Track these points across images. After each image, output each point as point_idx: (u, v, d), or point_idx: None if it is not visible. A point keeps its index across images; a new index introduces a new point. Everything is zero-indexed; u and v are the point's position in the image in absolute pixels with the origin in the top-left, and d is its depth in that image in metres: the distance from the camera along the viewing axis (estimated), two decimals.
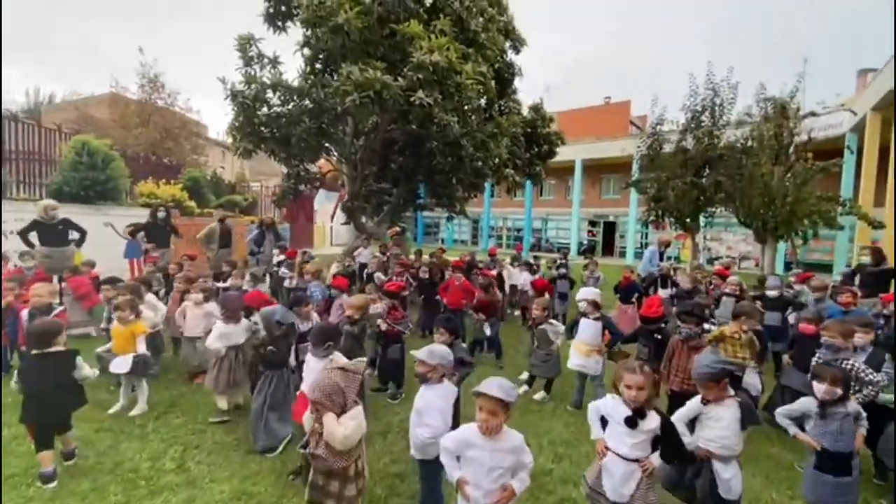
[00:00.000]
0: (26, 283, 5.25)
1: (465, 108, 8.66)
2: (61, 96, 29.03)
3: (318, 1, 6.56)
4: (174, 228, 8.69)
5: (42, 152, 11.05)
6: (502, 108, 12.77)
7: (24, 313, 4.63)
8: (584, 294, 4.83)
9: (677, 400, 3.63)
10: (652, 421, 2.40)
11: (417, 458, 2.76)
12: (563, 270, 8.75)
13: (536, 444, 3.93)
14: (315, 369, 3.05)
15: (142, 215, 9.52)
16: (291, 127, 8.32)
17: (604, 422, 2.58)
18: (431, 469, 2.72)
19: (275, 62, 8.81)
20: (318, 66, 9.37)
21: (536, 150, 14.70)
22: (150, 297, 5.53)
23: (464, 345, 3.61)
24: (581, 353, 4.69)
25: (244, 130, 8.04)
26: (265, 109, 8.42)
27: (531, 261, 9.96)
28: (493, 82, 8.99)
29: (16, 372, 3.23)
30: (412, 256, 10.36)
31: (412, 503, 3.06)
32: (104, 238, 9.61)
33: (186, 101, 19.59)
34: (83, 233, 7.55)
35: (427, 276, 7.68)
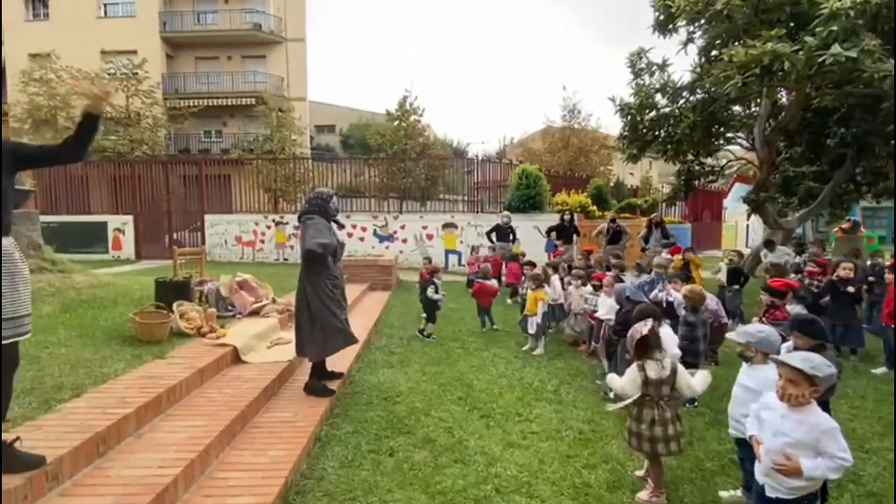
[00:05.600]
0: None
1: None
2: (517, 138, 39.60)
3: None
4: (576, 229, 10.73)
5: (501, 179, 16.18)
6: None
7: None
8: None
9: None
10: None
11: (735, 435, 2.81)
12: None
13: None
14: None
15: (556, 220, 12.30)
16: (676, 125, 8.51)
17: None
18: (750, 449, 2.70)
19: (662, 66, 9.25)
20: (713, 55, 9.08)
21: None
22: (554, 278, 7.44)
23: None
24: None
25: (630, 138, 8.95)
26: (651, 114, 9.01)
27: None
28: None
29: None
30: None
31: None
32: (533, 237, 13.12)
33: (597, 120, 22.51)
34: (515, 234, 10.78)
35: (850, 276, 6.02)
